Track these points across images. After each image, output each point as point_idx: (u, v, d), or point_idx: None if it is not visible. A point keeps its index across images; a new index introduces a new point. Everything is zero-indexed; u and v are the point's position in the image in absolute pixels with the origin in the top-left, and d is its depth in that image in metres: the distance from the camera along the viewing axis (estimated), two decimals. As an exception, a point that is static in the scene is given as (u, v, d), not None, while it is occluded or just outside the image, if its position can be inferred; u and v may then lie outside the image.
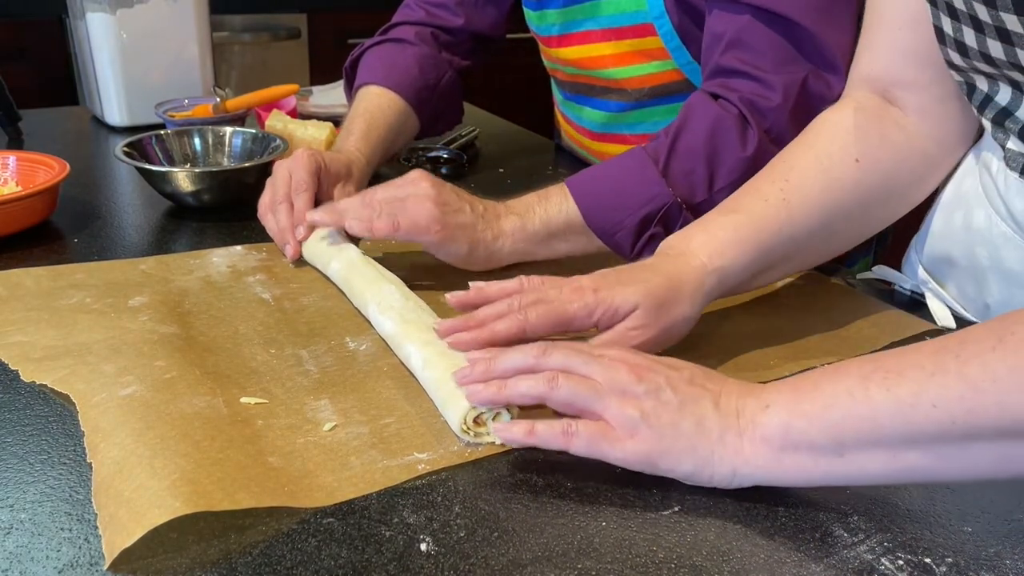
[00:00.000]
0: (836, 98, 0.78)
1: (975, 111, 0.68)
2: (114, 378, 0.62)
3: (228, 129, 1.09)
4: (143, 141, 1.03)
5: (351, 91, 1.11)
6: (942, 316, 0.76)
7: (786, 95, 0.80)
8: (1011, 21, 0.57)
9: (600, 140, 1.09)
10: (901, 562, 0.49)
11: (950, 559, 0.49)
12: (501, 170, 1.19)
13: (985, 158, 0.72)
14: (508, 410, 0.58)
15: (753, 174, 0.75)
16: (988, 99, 0.65)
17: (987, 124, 0.68)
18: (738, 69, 0.82)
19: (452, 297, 0.68)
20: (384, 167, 1.08)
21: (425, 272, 0.82)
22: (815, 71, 0.80)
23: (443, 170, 1.17)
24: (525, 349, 0.57)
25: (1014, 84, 0.63)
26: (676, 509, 0.53)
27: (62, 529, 0.50)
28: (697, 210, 0.80)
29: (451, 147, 1.21)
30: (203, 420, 0.58)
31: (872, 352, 0.71)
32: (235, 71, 2.57)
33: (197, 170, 0.99)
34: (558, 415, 0.56)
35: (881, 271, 0.85)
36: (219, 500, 0.50)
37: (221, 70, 2.50)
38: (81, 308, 0.74)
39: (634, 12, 0.94)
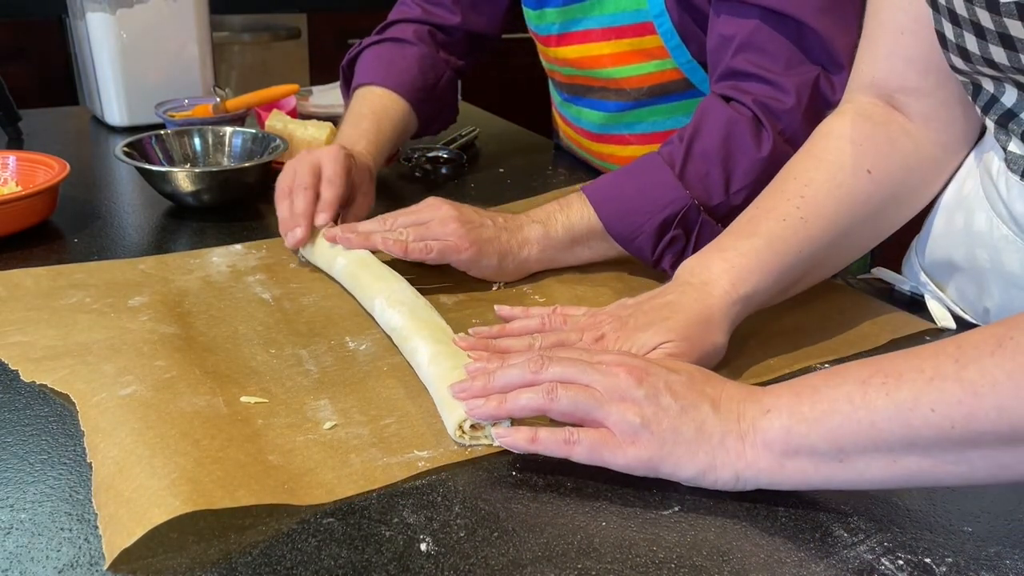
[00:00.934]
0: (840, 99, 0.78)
1: (979, 112, 0.68)
2: (114, 378, 0.62)
3: (228, 129, 1.09)
4: (143, 141, 1.03)
5: (349, 90, 1.11)
6: (941, 317, 0.76)
7: (799, 97, 0.80)
8: (1015, 27, 0.57)
9: (599, 141, 1.09)
10: (901, 562, 0.49)
11: (950, 559, 0.49)
12: (501, 170, 1.19)
13: (986, 160, 0.72)
14: None
15: (770, 175, 0.75)
16: (994, 100, 0.65)
17: (990, 125, 0.68)
18: (750, 72, 0.82)
19: (475, 332, 0.69)
20: (383, 167, 1.08)
21: (431, 274, 0.82)
22: (824, 72, 0.81)
23: (443, 170, 1.17)
24: (523, 363, 0.57)
25: (1020, 86, 0.63)
26: (676, 509, 0.53)
27: (62, 529, 0.50)
28: (715, 212, 0.81)
29: (451, 147, 1.21)
30: (203, 419, 0.58)
31: (872, 349, 0.72)
32: (235, 71, 2.57)
33: (197, 170, 0.99)
34: (557, 422, 0.56)
35: (880, 272, 0.85)
36: (219, 498, 0.50)
37: (221, 70, 2.50)
38: (81, 308, 0.74)
39: (634, 11, 0.94)
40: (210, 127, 1.09)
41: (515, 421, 0.57)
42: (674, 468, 0.53)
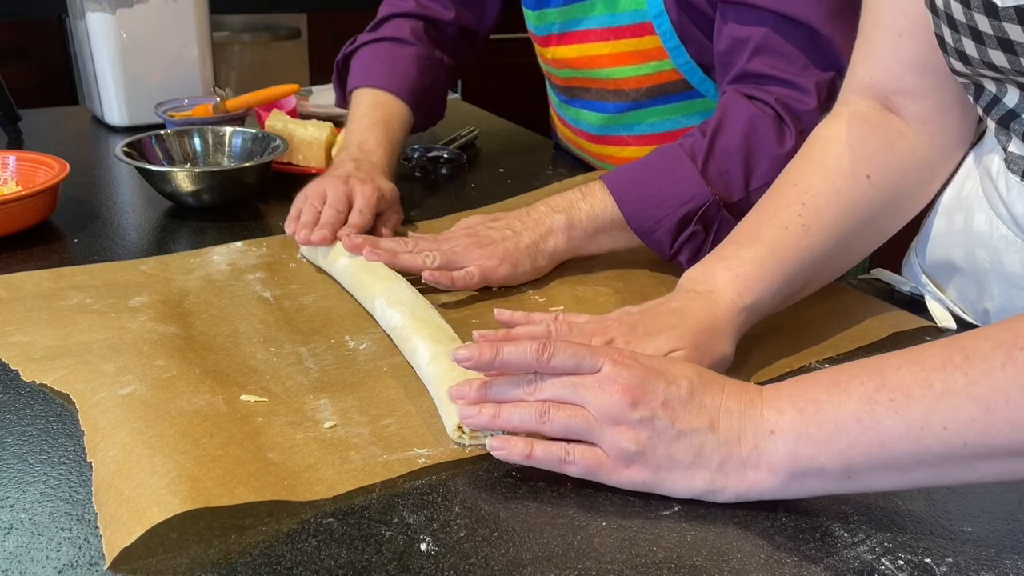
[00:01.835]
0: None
1: (980, 112, 0.68)
2: (114, 377, 0.62)
3: (228, 129, 1.09)
4: (143, 141, 1.03)
5: (344, 89, 1.10)
6: (942, 318, 0.76)
7: (819, 97, 0.81)
8: (1014, 31, 0.56)
9: (597, 142, 1.09)
10: (901, 562, 0.49)
11: (950, 559, 0.49)
12: (501, 170, 1.19)
13: (986, 161, 0.72)
14: None
15: None
16: (996, 100, 0.65)
17: (991, 125, 0.68)
18: (769, 74, 0.83)
19: (479, 337, 0.66)
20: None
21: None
22: (838, 75, 0.81)
23: (443, 170, 1.17)
24: (517, 379, 0.56)
25: (1022, 87, 0.63)
26: (676, 509, 0.53)
27: (62, 529, 0.50)
28: (734, 209, 0.81)
29: (451, 147, 1.20)
30: (202, 418, 0.58)
31: (873, 344, 0.72)
32: (235, 71, 2.57)
33: (197, 170, 0.99)
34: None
35: (880, 274, 0.85)
36: (218, 496, 0.50)
37: (221, 70, 2.50)
38: (81, 308, 0.74)
39: (633, 11, 0.94)
40: (210, 127, 1.09)
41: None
42: (671, 490, 0.53)
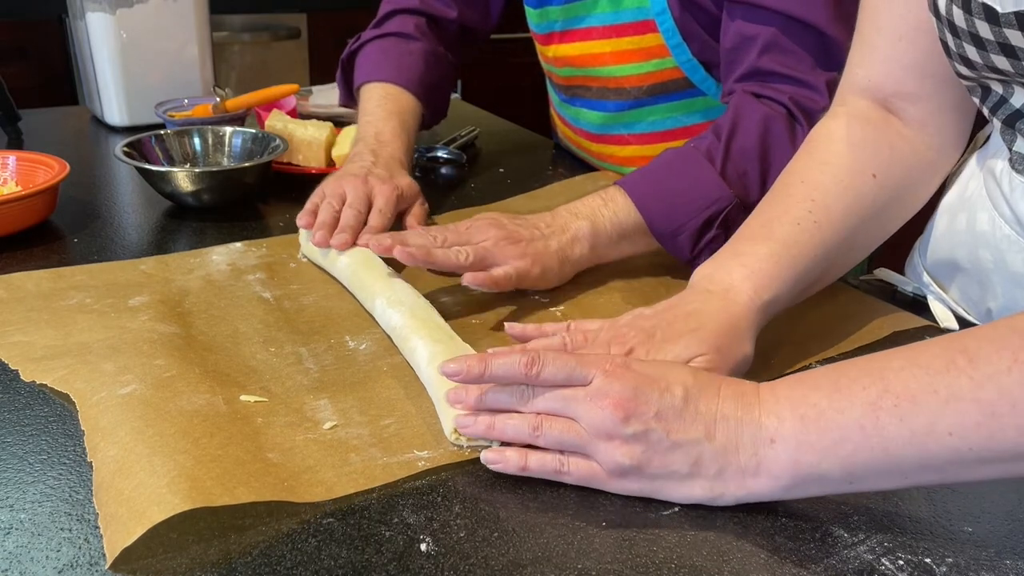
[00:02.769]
0: None
1: (987, 112, 0.68)
2: (114, 377, 0.62)
3: (228, 129, 1.09)
4: (143, 141, 1.03)
5: (350, 86, 1.10)
6: (944, 318, 0.76)
7: (830, 96, 0.80)
8: (1015, 36, 0.56)
9: (598, 141, 1.09)
10: (901, 562, 0.49)
11: (950, 559, 0.49)
12: (501, 170, 1.19)
13: (989, 161, 0.72)
14: None
15: None
16: (1003, 101, 0.65)
17: (996, 124, 0.68)
18: (778, 71, 0.83)
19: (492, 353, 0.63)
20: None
21: (431, 273, 0.82)
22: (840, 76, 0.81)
23: (443, 170, 1.17)
24: (511, 388, 0.56)
25: None
26: (676, 509, 0.53)
27: (62, 529, 0.50)
28: (749, 211, 0.80)
29: (451, 147, 1.20)
30: (202, 418, 0.58)
31: (873, 343, 0.71)
32: (235, 71, 2.57)
33: (197, 170, 0.99)
34: None
35: (883, 273, 0.85)
36: (218, 496, 0.50)
37: (221, 70, 2.50)
38: (81, 308, 0.74)
39: (636, 8, 0.94)
40: (210, 127, 1.09)
41: None
42: (670, 498, 0.53)
